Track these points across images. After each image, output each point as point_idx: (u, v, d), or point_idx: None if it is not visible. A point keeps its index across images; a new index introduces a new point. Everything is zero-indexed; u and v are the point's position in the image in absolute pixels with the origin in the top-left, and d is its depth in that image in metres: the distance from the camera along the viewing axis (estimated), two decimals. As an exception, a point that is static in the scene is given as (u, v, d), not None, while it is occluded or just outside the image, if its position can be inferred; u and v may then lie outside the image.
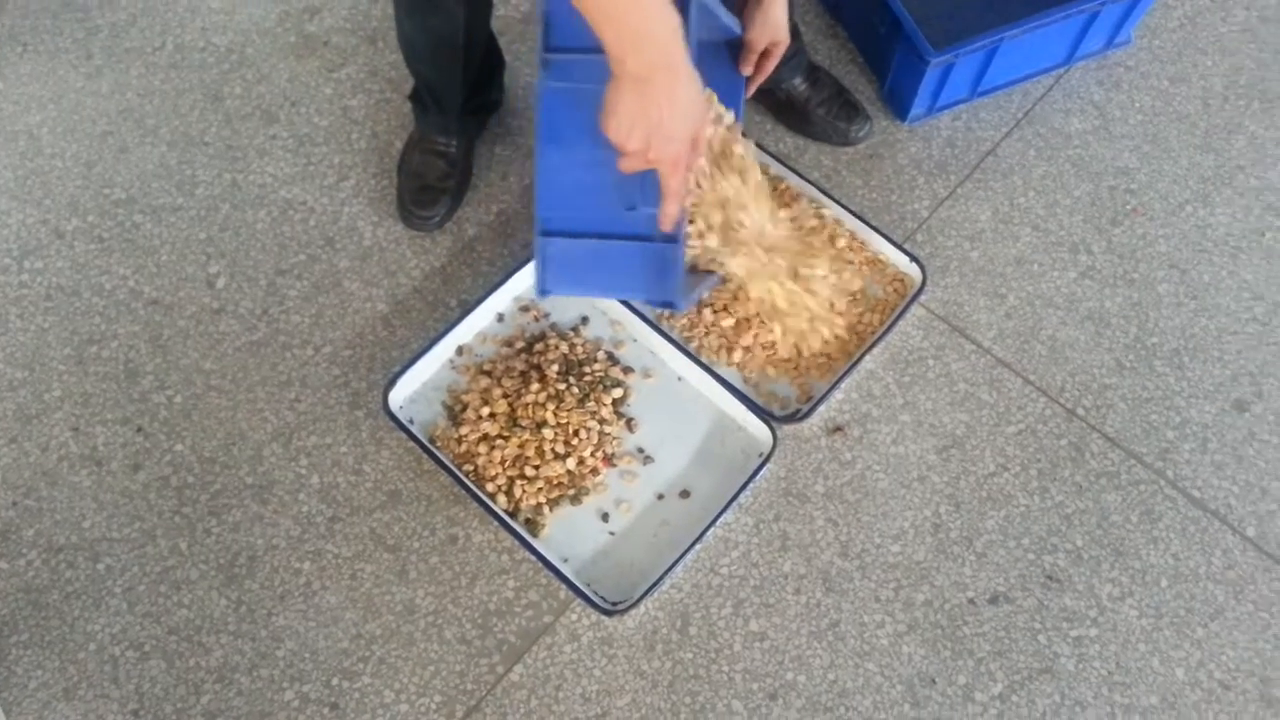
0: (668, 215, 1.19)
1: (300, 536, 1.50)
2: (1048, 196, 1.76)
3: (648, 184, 1.19)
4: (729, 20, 1.32)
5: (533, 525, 1.48)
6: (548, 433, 1.51)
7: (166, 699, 1.41)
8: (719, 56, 1.43)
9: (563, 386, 1.54)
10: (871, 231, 1.66)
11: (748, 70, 1.41)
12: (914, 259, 1.64)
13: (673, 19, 0.99)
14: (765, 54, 1.40)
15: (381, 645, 1.44)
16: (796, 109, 1.79)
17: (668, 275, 1.27)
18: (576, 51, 1.18)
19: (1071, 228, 1.73)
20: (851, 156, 1.79)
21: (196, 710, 1.40)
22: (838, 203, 1.67)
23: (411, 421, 1.55)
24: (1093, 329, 1.64)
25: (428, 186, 1.70)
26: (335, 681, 1.41)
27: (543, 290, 1.30)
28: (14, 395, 1.60)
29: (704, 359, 1.58)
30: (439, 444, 1.53)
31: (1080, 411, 1.57)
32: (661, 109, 1.03)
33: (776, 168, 1.72)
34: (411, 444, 1.52)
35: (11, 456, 1.55)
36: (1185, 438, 1.55)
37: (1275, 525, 1.49)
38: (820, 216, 1.66)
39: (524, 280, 1.64)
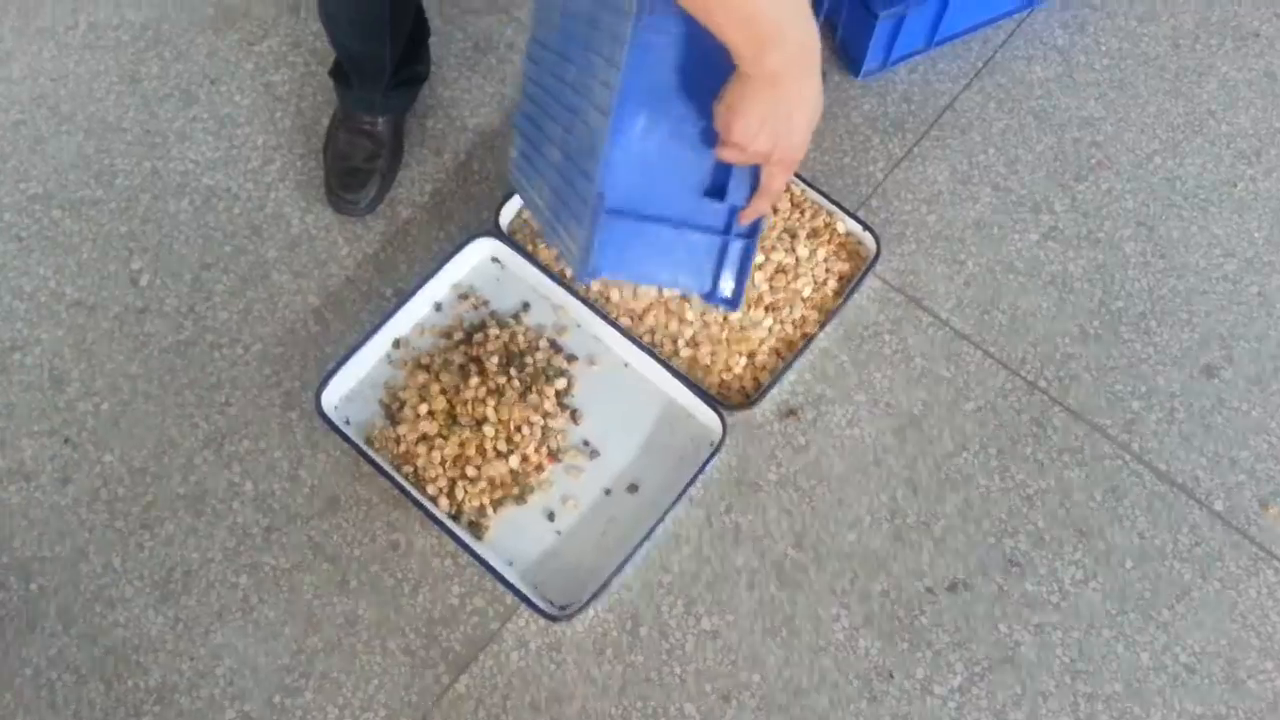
0: (756, 210, 1.11)
1: (236, 548, 1.45)
2: (1008, 152, 1.67)
3: (742, 174, 1.08)
4: None
5: (476, 528, 1.43)
6: (489, 430, 1.45)
7: (105, 723, 1.38)
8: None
9: (503, 380, 1.47)
10: (823, 198, 1.58)
11: None
12: (868, 228, 1.56)
13: (806, 8, 0.88)
14: None
15: (324, 659, 1.39)
16: None
17: (740, 272, 1.20)
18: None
19: (1033, 185, 1.65)
20: (803, 117, 1.70)
21: (137, 733, 1.37)
22: (788, 169, 1.59)
23: (347, 422, 1.49)
24: (1056, 295, 1.57)
25: (355, 169, 1.61)
26: (277, 699, 1.37)
27: (593, 272, 1.17)
28: (-67, 410, 1.54)
29: (652, 343, 1.51)
30: (376, 445, 1.47)
31: (1042, 384, 1.51)
32: (793, 109, 0.94)
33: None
34: (348, 446, 1.45)
35: (-67, 475, 1.50)
36: (1151, 408, 1.49)
37: (1243, 498, 1.44)
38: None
39: (461, 266, 1.57)
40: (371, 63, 1.54)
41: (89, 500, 1.48)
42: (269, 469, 1.49)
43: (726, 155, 1.02)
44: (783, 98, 0.93)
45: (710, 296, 1.24)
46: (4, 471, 1.49)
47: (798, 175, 1.58)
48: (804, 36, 0.90)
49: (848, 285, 1.54)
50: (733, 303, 1.24)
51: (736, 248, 1.20)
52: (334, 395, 1.49)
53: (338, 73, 1.60)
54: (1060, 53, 1.75)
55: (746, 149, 0.99)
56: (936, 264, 1.59)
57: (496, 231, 1.57)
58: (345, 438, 1.44)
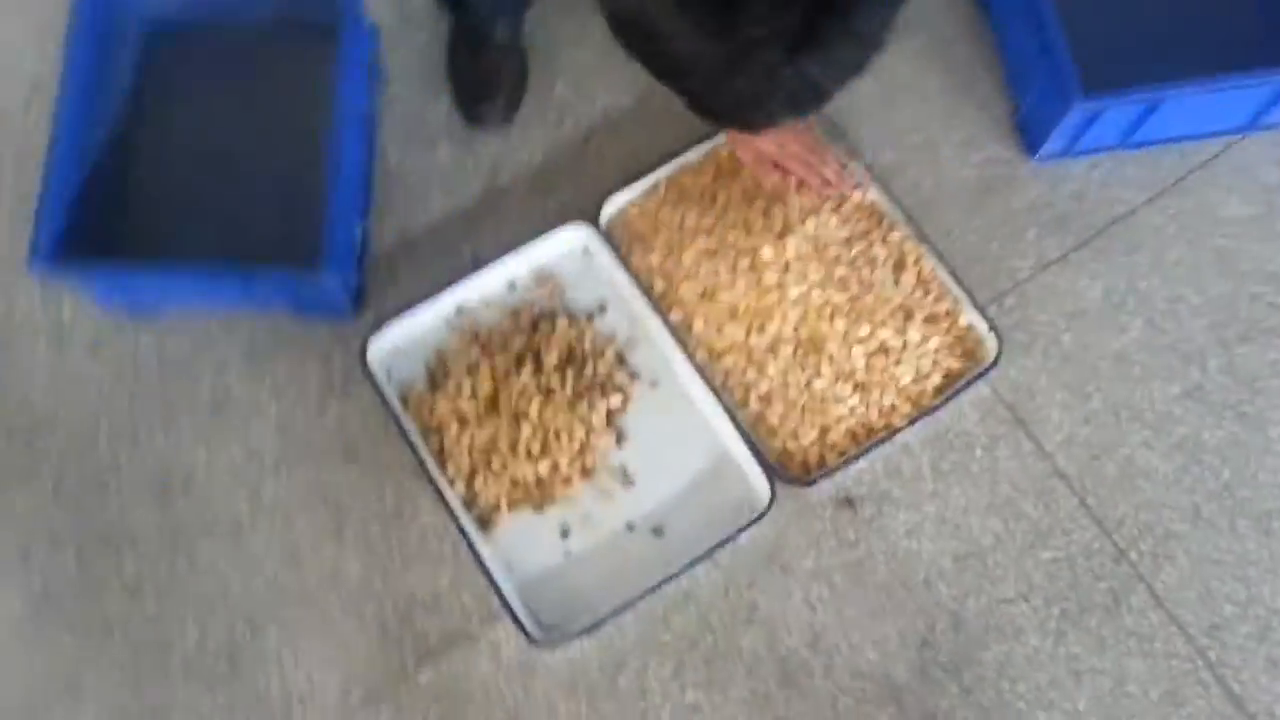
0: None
1: (243, 466, 1.39)
2: (1175, 287, 1.48)
3: None
4: None
5: (485, 523, 1.34)
6: (526, 429, 1.35)
7: (69, 597, 1.34)
8: None
9: (557, 381, 1.37)
10: (954, 282, 1.42)
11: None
12: (994, 327, 1.40)
13: None
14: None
15: (297, 606, 1.33)
16: None
17: None
18: None
19: (1192, 332, 1.46)
20: (959, 185, 1.54)
21: (95, 618, 1.33)
22: (924, 237, 1.44)
23: (390, 375, 1.41)
24: (1180, 461, 1.39)
25: (482, 80, 1.53)
26: (240, 629, 1.32)
27: None
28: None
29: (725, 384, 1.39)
30: (411, 407, 1.39)
31: (1133, 555, 1.34)
32: None
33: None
34: (380, 401, 1.38)
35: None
36: (1244, 619, 1.31)
37: (1319, 753, 1.26)
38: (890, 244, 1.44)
39: (549, 249, 1.45)
40: None
41: (114, 377, 1.43)
42: (298, 398, 1.42)
43: None
44: None
45: None
46: (46, 326, 1.46)
47: (933, 246, 1.43)
48: None
49: (953, 384, 1.39)
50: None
51: None
52: (383, 346, 1.41)
53: None
54: (1265, 192, 1.55)
55: None
56: (1058, 389, 1.42)
57: (595, 222, 1.45)
58: (381, 396, 1.37)
